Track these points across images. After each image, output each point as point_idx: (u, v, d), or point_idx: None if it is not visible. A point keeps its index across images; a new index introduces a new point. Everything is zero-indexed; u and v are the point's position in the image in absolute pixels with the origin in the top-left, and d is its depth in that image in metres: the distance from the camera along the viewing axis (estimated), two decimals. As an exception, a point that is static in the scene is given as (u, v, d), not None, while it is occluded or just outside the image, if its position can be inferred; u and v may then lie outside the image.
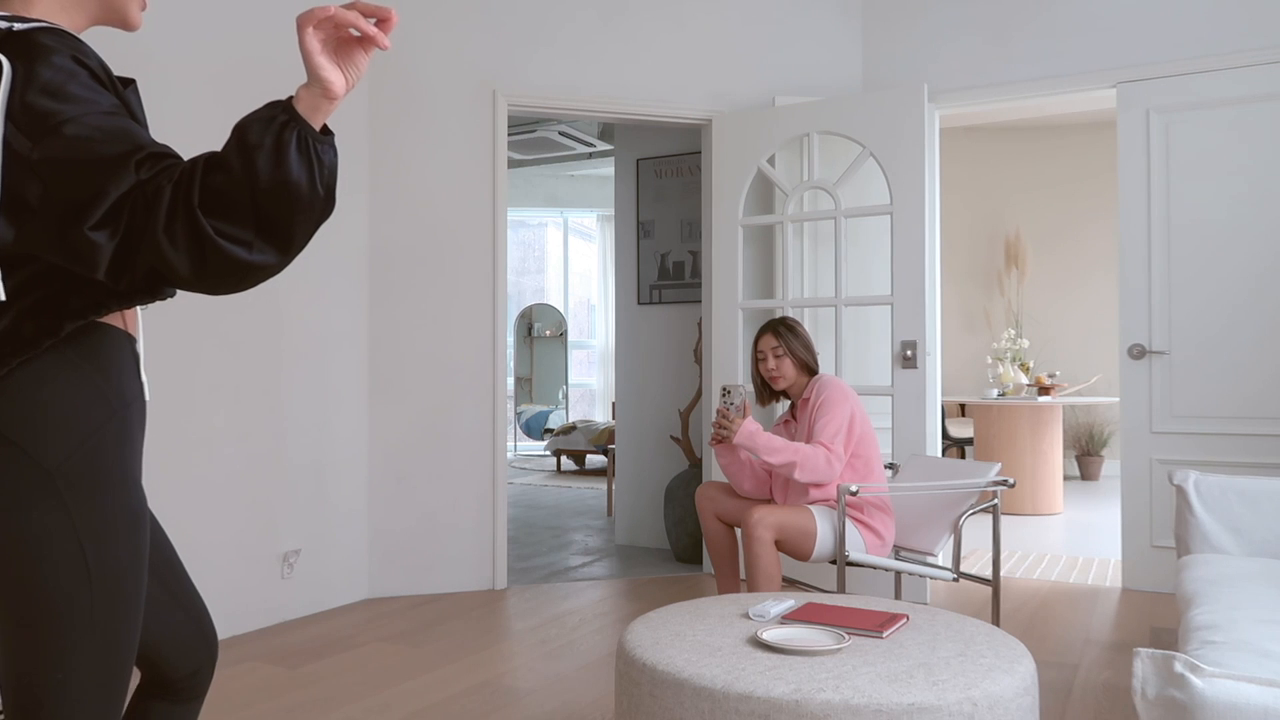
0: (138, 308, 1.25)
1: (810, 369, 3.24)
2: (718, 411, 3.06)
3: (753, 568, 2.90)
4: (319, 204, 1.07)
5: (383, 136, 4.07)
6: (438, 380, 4.13)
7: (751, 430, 2.98)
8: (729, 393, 3.06)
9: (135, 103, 1.20)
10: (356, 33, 1.07)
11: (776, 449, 2.97)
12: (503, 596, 4.06)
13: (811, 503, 3.08)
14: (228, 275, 1.05)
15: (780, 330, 3.22)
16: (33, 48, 1.07)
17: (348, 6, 1.05)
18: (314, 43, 1.05)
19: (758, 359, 3.26)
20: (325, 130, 1.09)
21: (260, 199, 1.02)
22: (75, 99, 1.06)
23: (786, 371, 3.19)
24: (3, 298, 1.08)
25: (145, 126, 1.21)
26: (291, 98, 1.07)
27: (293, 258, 1.09)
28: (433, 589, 4.11)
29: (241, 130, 1.03)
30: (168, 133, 3.11)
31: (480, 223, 4.17)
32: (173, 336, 3.27)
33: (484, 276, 4.17)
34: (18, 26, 1.09)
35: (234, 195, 1.02)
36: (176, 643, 1.37)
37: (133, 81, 1.22)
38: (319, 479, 3.83)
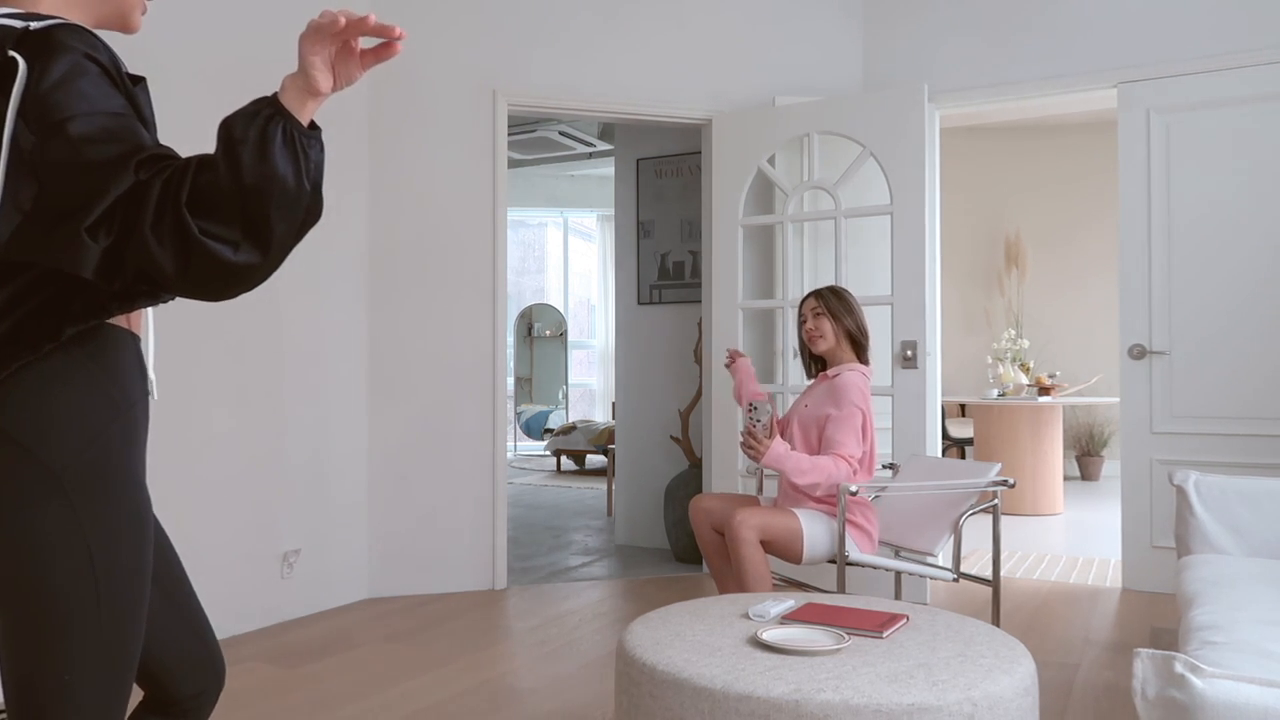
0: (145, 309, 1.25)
1: (856, 341, 3.16)
2: (745, 430, 2.96)
3: (741, 570, 2.88)
4: (304, 200, 1.05)
5: (383, 136, 4.07)
6: (438, 380, 4.12)
7: (780, 454, 2.92)
8: (755, 409, 2.95)
9: (145, 101, 1.19)
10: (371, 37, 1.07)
11: (804, 470, 2.93)
12: (503, 596, 4.05)
13: (795, 504, 3.06)
14: (212, 277, 1.03)
15: (823, 293, 3.19)
16: (49, 44, 1.07)
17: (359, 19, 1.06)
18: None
19: (801, 324, 3.23)
20: (313, 126, 1.08)
21: (246, 195, 1.01)
22: (84, 96, 1.06)
23: (825, 330, 3.14)
24: None
25: (153, 125, 1.21)
26: (276, 92, 1.06)
27: (276, 260, 1.06)
28: (433, 589, 4.11)
29: (227, 126, 1.03)
30: (164, 136, 3.10)
31: (480, 223, 4.17)
32: (173, 337, 3.27)
33: (484, 276, 4.17)
34: (34, 25, 1.09)
35: (220, 192, 1.00)
36: (182, 660, 1.34)
37: (143, 79, 1.21)
38: (319, 479, 3.83)
